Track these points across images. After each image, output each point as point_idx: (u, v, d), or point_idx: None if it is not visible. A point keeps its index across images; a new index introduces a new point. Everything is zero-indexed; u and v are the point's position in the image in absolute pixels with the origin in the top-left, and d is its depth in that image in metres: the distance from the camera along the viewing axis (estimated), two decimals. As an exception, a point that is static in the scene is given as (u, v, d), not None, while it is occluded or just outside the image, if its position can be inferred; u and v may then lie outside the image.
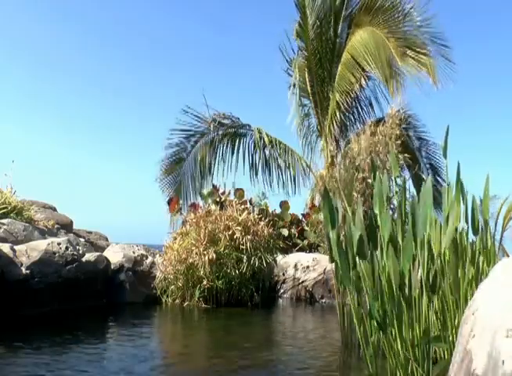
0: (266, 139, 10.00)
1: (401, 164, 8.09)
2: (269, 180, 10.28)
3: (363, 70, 9.57)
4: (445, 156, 3.16)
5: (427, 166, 10.43)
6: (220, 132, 10.46)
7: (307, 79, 10.75)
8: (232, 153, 10.45)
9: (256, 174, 10.26)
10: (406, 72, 8.72)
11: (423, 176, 9.62)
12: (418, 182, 9.14)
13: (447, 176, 3.11)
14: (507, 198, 3.98)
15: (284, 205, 9.63)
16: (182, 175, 10.55)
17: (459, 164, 3.05)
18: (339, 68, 9.98)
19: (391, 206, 7.69)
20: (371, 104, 10.62)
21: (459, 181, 3.06)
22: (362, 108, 10.70)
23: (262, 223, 6.98)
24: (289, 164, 10.27)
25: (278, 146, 10.27)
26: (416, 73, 8.62)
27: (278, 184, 10.30)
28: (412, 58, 8.80)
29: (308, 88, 10.73)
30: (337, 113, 9.81)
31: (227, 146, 10.52)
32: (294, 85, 10.89)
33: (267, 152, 10.30)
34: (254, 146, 10.24)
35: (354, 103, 10.54)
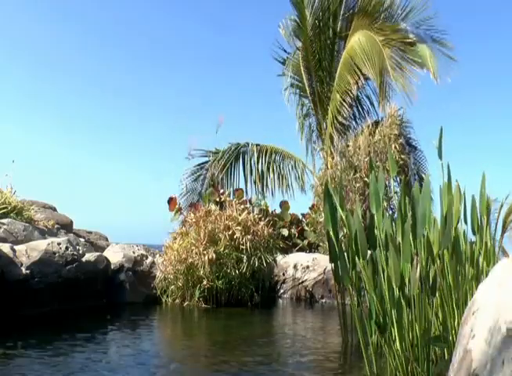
0: (264, 152, 10.28)
1: (400, 164, 8.09)
2: (271, 186, 10.42)
3: (361, 71, 9.59)
4: (440, 156, 3.16)
5: (414, 170, 10.41)
6: (221, 161, 10.61)
7: (305, 79, 10.77)
8: (236, 172, 10.69)
9: (259, 183, 10.41)
10: (397, 82, 8.76)
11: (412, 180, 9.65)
12: (407, 183, 9.14)
13: (443, 177, 3.11)
14: (507, 197, 3.99)
15: (284, 205, 9.64)
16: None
17: (449, 165, 3.06)
18: (338, 68, 9.99)
19: (391, 206, 7.72)
20: (372, 104, 10.63)
21: (450, 182, 3.07)
22: (362, 108, 10.71)
23: (262, 223, 6.97)
24: (288, 169, 10.43)
25: (276, 156, 10.48)
26: (406, 84, 8.67)
27: (280, 189, 10.44)
28: (408, 63, 8.85)
29: (307, 88, 10.75)
30: (336, 113, 9.82)
31: (229, 171, 10.68)
32: (292, 85, 10.95)
33: (266, 164, 10.45)
34: (256, 162, 10.47)
35: (353, 103, 10.55)
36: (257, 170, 10.46)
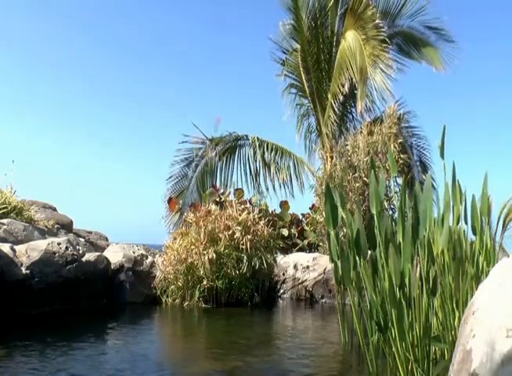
0: (264, 146, 10.20)
1: (400, 164, 8.10)
2: (270, 184, 10.37)
3: (350, 72, 9.56)
4: (442, 156, 3.15)
5: (418, 166, 10.40)
6: (219, 149, 10.55)
7: (304, 79, 10.75)
8: (233, 165, 10.61)
9: (257, 180, 10.36)
10: (373, 77, 8.67)
11: (416, 176, 9.65)
12: (411, 182, 9.12)
13: (444, 177, 3.10)
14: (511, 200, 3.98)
15: (284, 205, 9.65)
16: (184, 205, 10.47)
17: (454, 164, 3.06)
18: (335, 68, 9.98)
19: (391, 206, 7.72)
20: (372, 103, 10.60)
21: (455, 181, 3.07)
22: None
23: (262, 223, 6.97)
24: (288, 166, 10.37)
25: (275, 151, 10.42)
26: (381, 81, 8.58)
27: (279, 187, 10.39)
28: (383, 63, 8.79)
29: (306, 88, 10.74)
30: (334, 113, 9.81)
31: (227, 161, 10.63)
32: (292, 85, 10.93)
33: (266, 158, 10.39)
34: (254, 155, 10.40)
35: (351, 102, 10.54)
36: (256, 162, 10.36)
